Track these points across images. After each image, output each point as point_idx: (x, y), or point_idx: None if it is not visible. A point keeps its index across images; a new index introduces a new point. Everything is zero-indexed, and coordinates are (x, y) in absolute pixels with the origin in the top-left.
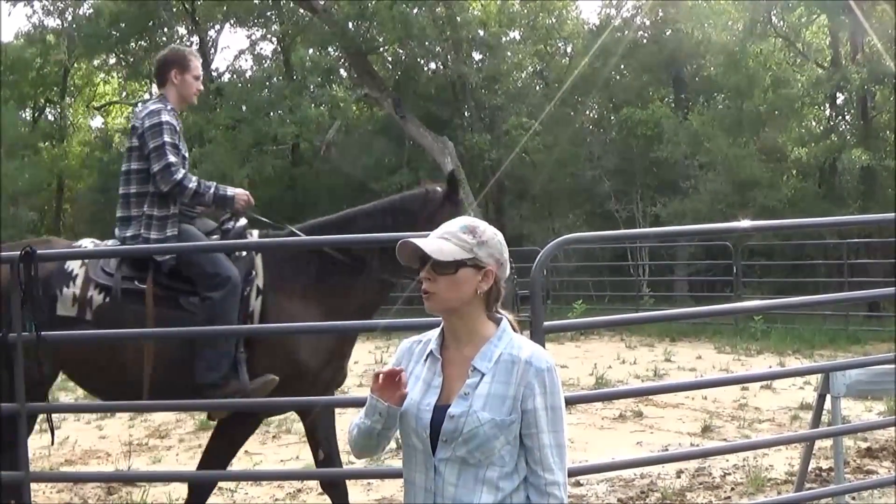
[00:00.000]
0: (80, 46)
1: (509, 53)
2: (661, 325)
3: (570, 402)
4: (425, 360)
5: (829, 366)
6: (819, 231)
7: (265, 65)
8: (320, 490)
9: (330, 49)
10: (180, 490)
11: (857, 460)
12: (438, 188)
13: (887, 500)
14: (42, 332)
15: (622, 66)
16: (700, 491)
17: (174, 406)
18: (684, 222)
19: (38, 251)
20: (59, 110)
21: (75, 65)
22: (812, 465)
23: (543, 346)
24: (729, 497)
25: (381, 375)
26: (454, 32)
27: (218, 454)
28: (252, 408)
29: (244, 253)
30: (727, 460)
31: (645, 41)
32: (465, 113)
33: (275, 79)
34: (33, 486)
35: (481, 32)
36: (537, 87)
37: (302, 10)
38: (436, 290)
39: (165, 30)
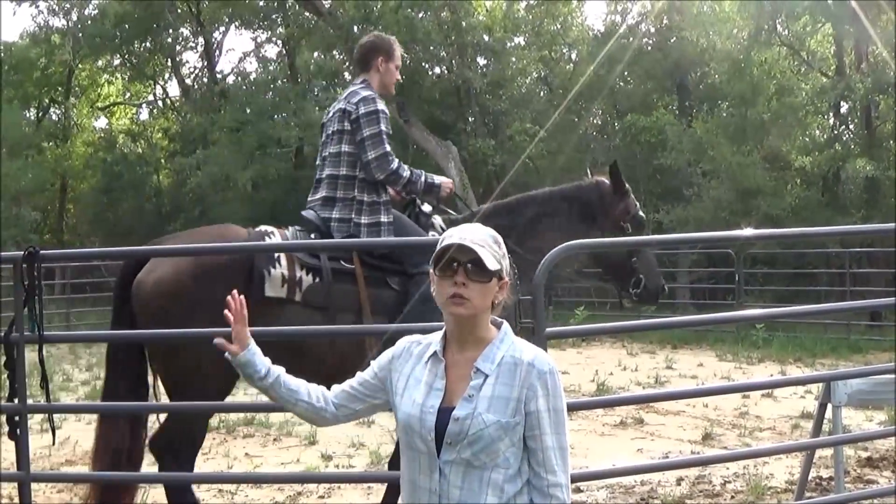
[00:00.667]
0: (84, 47)
1: (514, 59)
2: (662, 332)
3: (571, 408)
4: (426, 361)
5: (831, 375)
6: (821, 240)
7: (270, 67)
8: (320, 493)
9: (335, 52)
10: None
11: (858, 470)
12: (605, 179)
13: None
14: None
15: (626, 73)
16: (700, 499)
17: (179, 408)
18: (687, 230)
19: (42, 252)
20: (63, 110)
21: (80, 65)
22: (812, 473)
23: (546, 352)
24: None
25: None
26: (459, 37)
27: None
28: (260, 410)
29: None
30: (727, 468)
31: (649, 48)
32: (469, 118)
33: (279, 81)
34: (33, 486)
35: (486, 37)
36: (541, 93)
37: (307, 13)
38: (470, 297)
39: (170, 31)
